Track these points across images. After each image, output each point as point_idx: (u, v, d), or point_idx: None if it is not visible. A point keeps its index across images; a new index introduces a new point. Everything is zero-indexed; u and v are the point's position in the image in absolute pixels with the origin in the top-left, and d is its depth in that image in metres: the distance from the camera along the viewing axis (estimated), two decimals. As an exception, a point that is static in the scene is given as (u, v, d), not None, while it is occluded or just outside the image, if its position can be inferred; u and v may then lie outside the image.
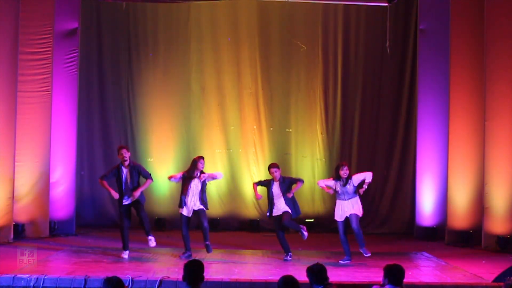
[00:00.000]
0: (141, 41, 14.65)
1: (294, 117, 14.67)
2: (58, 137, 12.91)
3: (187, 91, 14.63)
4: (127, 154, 10.42)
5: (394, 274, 5.84)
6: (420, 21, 13.69)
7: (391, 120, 14.64)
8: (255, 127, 14.59)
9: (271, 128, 14.64)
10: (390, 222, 14.43)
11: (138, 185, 10.49)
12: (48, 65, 12.46)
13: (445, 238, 12.70)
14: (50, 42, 12.46)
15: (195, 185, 10.50)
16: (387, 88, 14.68)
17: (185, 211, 10.54)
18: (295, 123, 14.67)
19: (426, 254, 11.36)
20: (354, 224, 10.30)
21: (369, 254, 10.39)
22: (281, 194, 10.54)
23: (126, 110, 14.61)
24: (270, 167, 10.75)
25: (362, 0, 13.29)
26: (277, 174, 10.60)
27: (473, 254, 11.42)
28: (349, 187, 10.34)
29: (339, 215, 10.43)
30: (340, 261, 10.34)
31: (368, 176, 10.43)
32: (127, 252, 10.52)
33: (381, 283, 5.97)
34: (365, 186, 10.37)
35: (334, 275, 8.92)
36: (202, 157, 10.69)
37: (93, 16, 14.45)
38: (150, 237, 10.52)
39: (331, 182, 10.50)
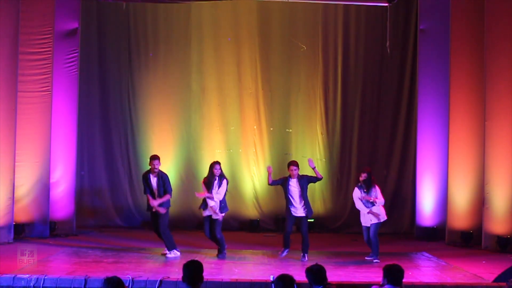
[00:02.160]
0: (141, 41, 14.65)
1: (294, 117, 14.66)
2: (58, 137, 12.91)
3: (187, 91, 14.63)
4: (158, 165, 10.78)
5: (393, 274, 5.84)
6: (420, 21, 13.70)
7: (391, 120, 14.64)
8: (255, 127, 14.59)
9: (271, 128, 14.64)
10: (390, 222, 14.36)
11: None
12: (48, 65, 12.45)
13: (445, 238, 12.70)
14: (50, 42, 12.46)
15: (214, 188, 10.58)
16: (387, 88, 14.68)
17: (206, 213, 10.62)
18: (295, 123, 14.67)
19: (426, 254, 11.37)
20: (372, 232, 10.68)
21: (378, 261, 10.57)
22: (299, 191, 10.59)
23: (126, 110, 14.60)
24: (290, 164, 10.76)
25: (362, 0, 13.28)
26: (296, 172, 10.65)
27: (473, 254, 11.42)
28: (372, 196, 10.64)
29: (364, 220, 10.79)
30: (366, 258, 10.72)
31: (380, 203, 10.76)
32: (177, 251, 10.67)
33: (381, 283, 5.97)
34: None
35: (334, 275, 8.94)
36: (217, 162, 10.75)
37: (93, 16, 14.45)
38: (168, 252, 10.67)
39: (356, 192, 10.81)
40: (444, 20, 13.00)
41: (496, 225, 11.74)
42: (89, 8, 14.18)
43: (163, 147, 14.48)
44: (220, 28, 14.65)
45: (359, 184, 10.79)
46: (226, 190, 10.72)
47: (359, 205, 10.77)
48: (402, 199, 14.49)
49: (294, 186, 10.60)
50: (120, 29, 14.61)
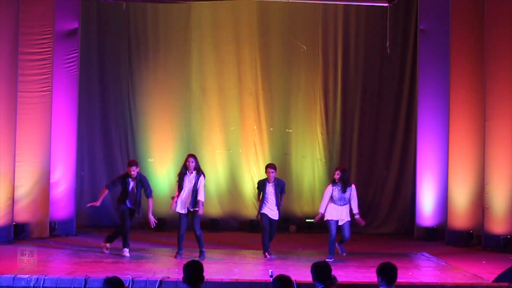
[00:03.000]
0: (141, 41, 14.66)
1: (294, 117, 14.66)
2: (58, 137, 12.91)
3: (187, 91, 14.63)
4: (135, 171, 10.70)
5: (387, 274, 5.79)
6: (420, 21, 13.70)
7: (391, 120, 14.64)
8: (255, 127, 14.59)
9: (271, 129, 14.64)
10: (390, 222, 14.43)
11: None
12: (48, 65, 12.45)
13: (445, 238, 12.70)
14: (50, 42, 12.45)
15: (189, 182, 10.50)
16: (387, 88, 14.68)
17: (179, 209, 10.52)
18: (295, 123, 14.67)
19: (426, 254, 11.36)
20: (347, 232, 10.57)
21: (344, 254, 10.57)
22: (274, 195, 10.65)
23: (126, 110, 14.61)
24: (268, 166, 10.88)
25: (362, 0, 13.28)
26: (273, 175, 10.69)
27: (473, 254, 11.43)
28: (347, 195, 10.53)
29: (333, 215, 10.58)
30: (327, 260, 10.30)
31: (355, 208, 10.64)
32: (128, 249, 10.65)
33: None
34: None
35: (334, 275, 8.92)
36: (190, 155, 10.69)
37: (93, 16, 14.45)
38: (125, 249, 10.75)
39: (329, 190, 10.63)
40: (444, 20, 13.00)
41: (496, 225, 11.74)
42: (89, 8, 14.19)
43: (163, 147, 14.49)
44: (220, 28, 14.65)
45: (334, 181, 10.59)
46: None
47: (325, 202, 10.60)
48: (402, 199, 14.49)
49: (270, 190, 10.65)
50: (120, 29, 14.61)
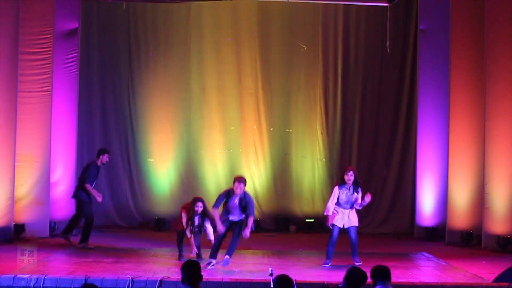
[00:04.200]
0: (141, 41, 14.65)
1: (294, 117, 14.66)
2: (58, 137, 12.92)
3: (187, 91, 14.63)
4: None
5: (382, 273, 5.79)
6: (420, 21, 13.71)
7: (391, 120, 14.64)
8: (255, 127, 14.59)
9: (271, 129, 14.63)
10: (390, 222, 14.43)
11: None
12: (48, 65, 12.45)
13: (445, 238, 12.70)
14: (50, 42, 12.46)
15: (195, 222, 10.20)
16: (387, 88, 14.68)
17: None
18: (295, 123, 14.67)
19: (426, 254, 11.36)
20: (354, 235, 10.12)
21: (361, 263, 9.95)
22: (239, 208, 9.60)
23: (126, 110, 14.60)
24: (235, 180, 9.64)
25: (362, 0, 13.28)
26: (239, 191, 9.50)
27: (473, 254, 11.42)
28: (354, 196, 10.10)
29: (340, 221, 10.10)
30: (323, 265, 10.04)
31: (367, 198, 10.10)
32: None
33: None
34: (364, 202, 10.12)
35: (335, 275, 8.94)
36: (201, 200, 10.20)
37: (93, 16, 14.45)
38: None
39: (335, 192, 10.12)
40: (444, 20, 13.00)
41: (496, 225, 11.74)
42: (89, 8, 14.19)
43: (163, 147, 14.49)
44: (220, 28, 14.65)
45: (342, 183, 10.07)
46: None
47: (332, 205, 10.03)
48: (402, 199, 14.48)
49: (235, 203, 9.60)
50: (120, 29, 14.61)
